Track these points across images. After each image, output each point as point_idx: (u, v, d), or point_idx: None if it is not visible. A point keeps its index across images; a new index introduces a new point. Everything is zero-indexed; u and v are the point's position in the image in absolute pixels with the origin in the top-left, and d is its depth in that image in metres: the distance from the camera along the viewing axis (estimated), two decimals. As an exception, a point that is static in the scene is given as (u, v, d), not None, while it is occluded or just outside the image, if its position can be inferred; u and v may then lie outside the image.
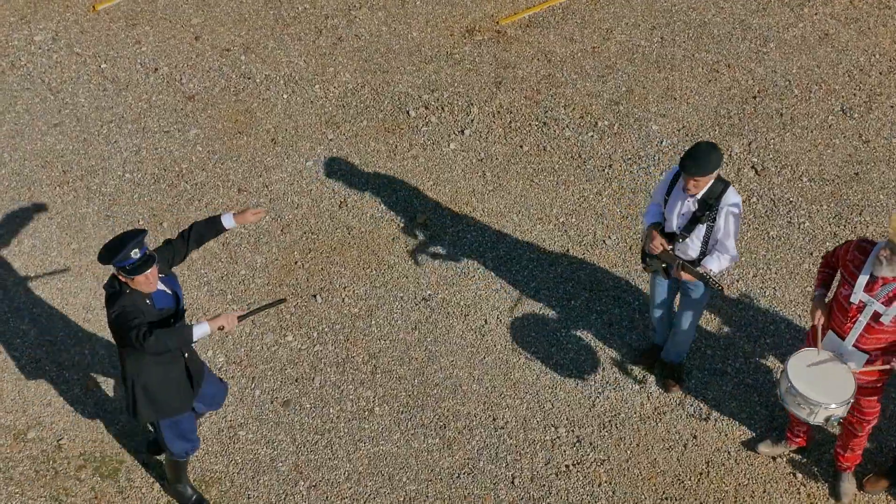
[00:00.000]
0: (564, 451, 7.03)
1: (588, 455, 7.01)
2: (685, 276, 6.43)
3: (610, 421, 7.16)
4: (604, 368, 7.43)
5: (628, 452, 7.02)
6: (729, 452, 7.01)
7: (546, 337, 7.61)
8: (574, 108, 9.21)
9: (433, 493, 6.84)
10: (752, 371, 7.42)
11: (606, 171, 8.72)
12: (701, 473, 6.92)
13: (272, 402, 7.29)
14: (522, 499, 6.80)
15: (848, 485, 6.74)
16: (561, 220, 8.34)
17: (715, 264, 6.46)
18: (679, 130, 9.05)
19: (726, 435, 7.10)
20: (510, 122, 9.10)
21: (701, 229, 6.44)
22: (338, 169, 8.69)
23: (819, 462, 6.94)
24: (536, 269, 8.03)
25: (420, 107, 9.19)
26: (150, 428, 6.80)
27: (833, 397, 5.99)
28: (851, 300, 5.96)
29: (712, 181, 6.30)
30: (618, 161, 8.79)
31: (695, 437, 7.09)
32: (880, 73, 9.45)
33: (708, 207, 6.36)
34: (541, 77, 9.49)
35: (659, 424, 7.16)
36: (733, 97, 9.33)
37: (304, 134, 8.97)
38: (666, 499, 6.80)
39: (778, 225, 8.35)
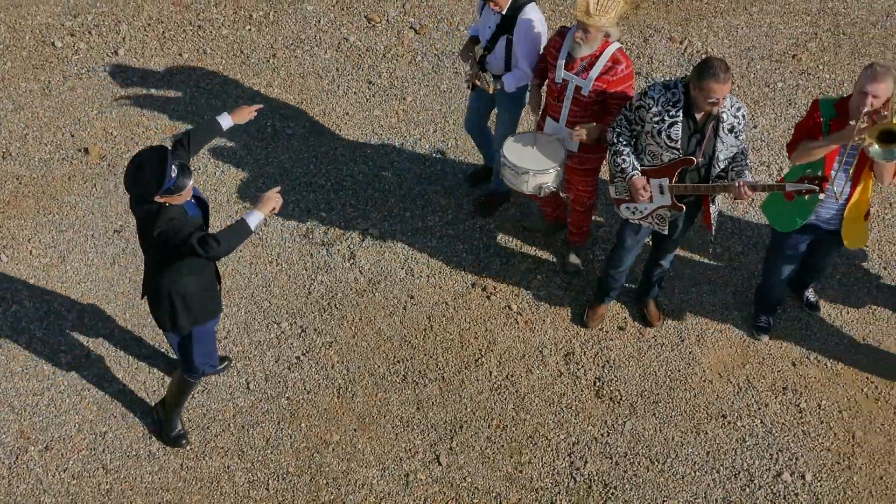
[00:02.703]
0: (292, 344, 7.07)
1: (315, 341, 7.08)
2: (478, 84, 6.98)
3: (328, 303, 7.24)
4: (311, 255, 7.47)
5: (353, 328, 7.14)
6: (447, 303, 7.26)
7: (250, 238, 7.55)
8: (226, 5, 8.99)
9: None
10: (452, 222, 7.65)
11: (271, 61, 8.62)
12: (425, 329, 7.14)
13: (-20, 375, 6.92)
14: (261, 400, 6.81)
15: (574, 256, 7.38)
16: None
17: (511, 79, 6.86)
18: (334, 6, 9.02)
19: (441, 287, 7.33)
20: (163, 32, 8.79)
21: (502, 44, 6.77)
22: (-9, 119, 8.17)
23: (527, 292, 7.30)
24: (225, 175, 7.90)
25: (65, 35, 8.71)
26: (175, 350, 6.40)
27: (538, 165, 6.62)
28: (556, 80, 6.50)
29: None
30: (280, 49, 8.69)
31: (412, 297, 7.29)
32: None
33: (509, 22, 6.69)
34: (184, -20, 9.20)
35: (376, 294, 7.30)
36: (379, -38, 9.37)
37: (-55, 90, 8.35)
38: (397, 361, 6.99)
39: (447, 77, 8.55)
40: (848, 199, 6.23)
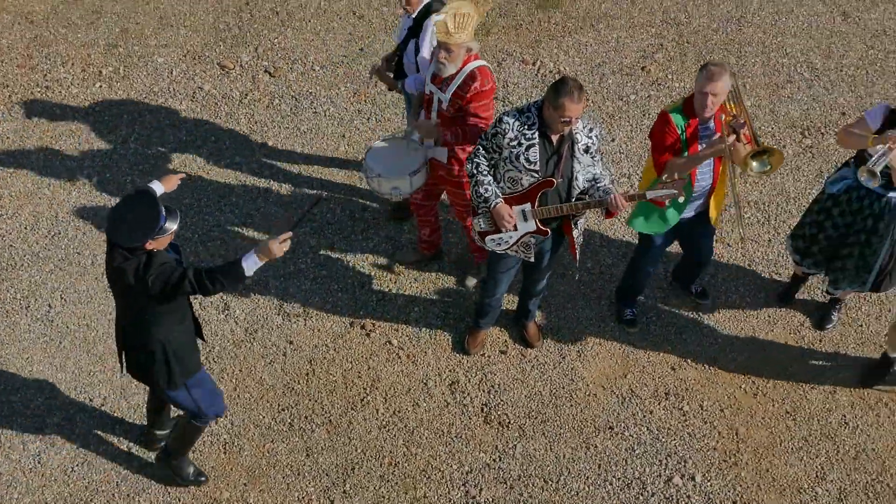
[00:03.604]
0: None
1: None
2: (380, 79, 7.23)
3: (206, 358, 7.10)
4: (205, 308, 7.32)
5: (234, 381, 7.02)
6: (327, 345, 7.20)
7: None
8: (74, 64, 8.81)
9: None
10: (324, 263, 7.61)
11: (126, 117, 8.46)
12: (307, 373, 7.06)
13: None
14: (144, 465, 6.63)
15: (470, 277, 7.49)
16: (83, 176, 8.03)
17: (412, 82, 6.98)
18: (185, 56, 8.92)
19: (319, 330, 7.27)
20: (10, 96, 8.56)
21: (412, 47, 6.88)
22: None
23: (406, 325, 7.30)
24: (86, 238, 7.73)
25: None
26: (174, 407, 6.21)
27: (392, 171, 6.75)
28: (426, 91, 6.67)
29: (425, 1, 6.83)
30: (134, 104, 8.55)
31: (291, 342, 7.21)
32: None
33: (419, 26, 6.83)
34: (28, 41, 8.97)
35: (254, 343, 7.20)
36: (227, 9, 9.31)
37: None
38: (282, 409, 6.89)
39: (306, 119, 8.51)
40: (711, 187, 6.47)
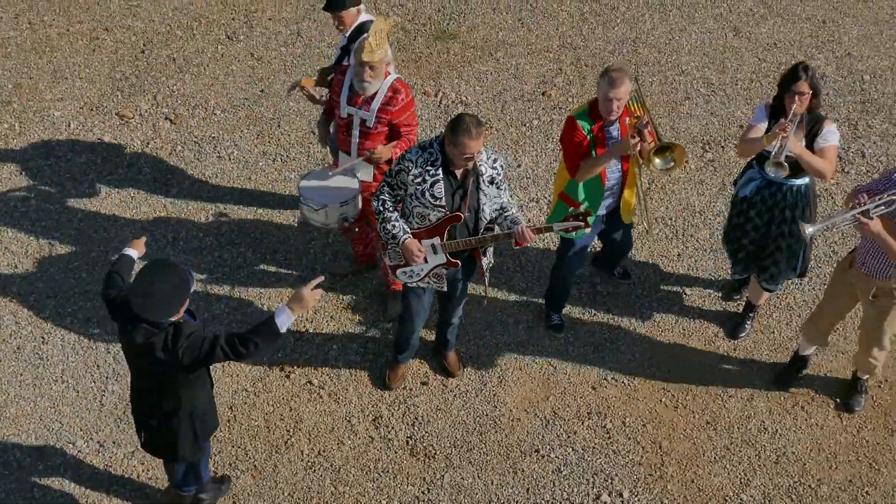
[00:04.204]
0: (91, 462, 6.73)
1: (116, 454, 6.78)
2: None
3: (124, 412, 6.95)
4: (98, 366, 7.18)
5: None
6: (247, 390, 7.10)
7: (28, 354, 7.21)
8: (-33, 123, 8.64)
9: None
10: (238, 307, 7.53)
11: (24, 173, 8.30)
12: (228, 420, 6.95)
13: None
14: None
15: (393, 303, 7.45)
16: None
17: None
18: (83, 108, 8.79)
19: (238, 375, 7.17)
20: None
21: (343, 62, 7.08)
22: None
23: (326, 364, 7.24)
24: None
25: None
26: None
27: (333, 198, 6.84)
28: (342, 116, 6.73)
29: (357, 22, 7.03)
30: (32, 159, 8.39)
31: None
32: (249, -9, 9.79)
33: (352, 42, 6.99)
34: (-82, 103, 8.78)
35: (172, 394, 7.08)
36: (122, 58, 9.21)
37: None
38: (205, 459, 6.79)
39: (211, 164, 8.44)
40: (622, 186, 6.75)
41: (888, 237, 6.02)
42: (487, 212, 6.21)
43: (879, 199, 5.97)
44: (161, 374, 5.39)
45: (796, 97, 6.32)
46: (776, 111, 6.53)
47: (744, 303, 7.50)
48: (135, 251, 5.81)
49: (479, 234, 6.26)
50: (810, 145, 6.46)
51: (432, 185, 6.04)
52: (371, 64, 6.48)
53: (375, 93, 6.64)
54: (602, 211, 6.82)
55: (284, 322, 5.20)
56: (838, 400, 7.08)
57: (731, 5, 9.96)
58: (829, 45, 9.56)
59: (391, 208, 6.19)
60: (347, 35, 7.12)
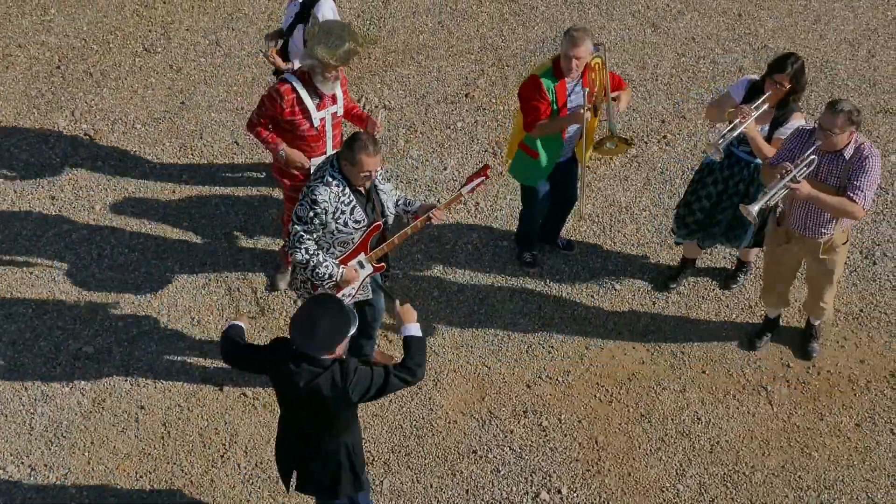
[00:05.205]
0: (23, 486, 6.61)
1: (48, 477, 6.66)
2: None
3: (55, 434, 6.84)
4: (26, 388, 7.04)
5: (86, 454, 6.77)
6: (180, 405, 7.02)
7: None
8: None
9: None
10: (169, 321, 7.44)
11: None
12: (162, 436, 6.87)
13: None
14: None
15: (280, 277, 7.66)
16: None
17: (299, 62, 7.10)
18: (-1, 126, 8.64)
19: (170, 391, 7.09)
20: None
21: (299, 33, 7.23)
22: None
23: (258, 375, 7.17)
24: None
25: None
26: None
27: None
28: (315, 126, 6.81)
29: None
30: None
31: (142, 407, 7.00)
32: (164, 3, 9.65)
33: (306, 11, 7.19)
34: None
35: (104, 413, 6.97)
36: (37, 74, 9.06)
37: None
38: (140, 476, 6.68)
39: (133, 178, 8.33)
40: (580, 137, 7.09)
41: (819, 193, 6.24)
42: (391, 208, 6.35)
43: (801, 161, 6.19)
44: (326, 414, 5.32)
45: (775, 84, 6.55)
46: (756, 87, 6.71)
47: (679, 288, 7.73)
48: (243, 322, 5.73)
49: (388, 231, 6.43)
50: (772, 132, 6.69)
51: (351, 211, 6.06)
52: (345, 64, 6.64)
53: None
54: (561, 159, 7.20)
55: (417, 331, 5.45)
56: (794, 350, 7.33)
57: (648, 2, 10.08)
58: (745, 37, 9.72)
59: (315, 251, 6.13)
60: (301, 1, 7.27)
